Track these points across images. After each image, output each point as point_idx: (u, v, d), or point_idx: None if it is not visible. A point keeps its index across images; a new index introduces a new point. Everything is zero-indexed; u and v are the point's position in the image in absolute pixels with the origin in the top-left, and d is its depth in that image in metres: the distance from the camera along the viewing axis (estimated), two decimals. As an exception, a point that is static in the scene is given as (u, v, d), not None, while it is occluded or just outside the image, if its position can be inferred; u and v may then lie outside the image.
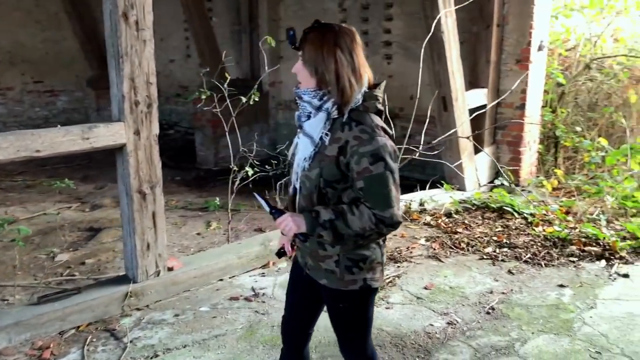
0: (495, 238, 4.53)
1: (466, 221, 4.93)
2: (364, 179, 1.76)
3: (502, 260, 4.16)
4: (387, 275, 3.90)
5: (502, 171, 5.61)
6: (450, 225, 4.86)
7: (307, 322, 2.20)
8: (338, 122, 1.82)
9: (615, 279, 3.84)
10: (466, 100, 5.51)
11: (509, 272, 3.97)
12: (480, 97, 5.73)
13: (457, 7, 5.21)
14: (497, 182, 5.68)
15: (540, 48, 5.71)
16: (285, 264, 4.14)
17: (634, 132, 6.17)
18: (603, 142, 5.93)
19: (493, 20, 5.61)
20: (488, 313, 3.41)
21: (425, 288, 3.74)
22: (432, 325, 3.26)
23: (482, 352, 2.98)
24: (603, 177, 5.62)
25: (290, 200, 2.00)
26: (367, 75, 1.84)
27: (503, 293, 3.66)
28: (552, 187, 5.69)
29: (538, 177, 6.05)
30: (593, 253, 4.19)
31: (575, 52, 6.60)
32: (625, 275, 3.87)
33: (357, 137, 1.77)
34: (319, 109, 1.83)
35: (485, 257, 4.23)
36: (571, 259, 4.15)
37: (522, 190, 5.64)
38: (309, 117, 1.86)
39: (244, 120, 8.77)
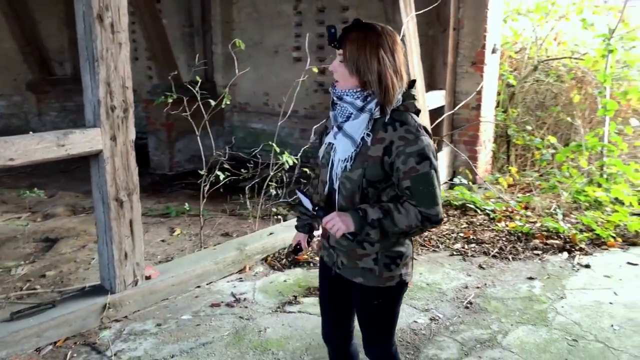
0: (462, 234, 4.68)
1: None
2: (411, 179, 1.80)
3: (472, 256, 4.30)
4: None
5: (471, 165, 5.80)
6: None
7: (346, 320, 2.22)
8: (379, 123, 1.84)
9: (578, 269, 4.06)
10: (426, 101, 5.65)
11: (480, 266, 4.12)
12: (438, 98, 5.90)
13: (418, 12, 5.33)
14: (455, 180, 5.86)
15: (493, 51, 5.94)
16: (261, 269, 4.12)
17: (579, 130, 6.52)
18: (552, 139, 6.24)
19: (449, 24, 5.79)
20: (467, 307, 3.53)
21: (404, 286, 3.81)
22: (416, 321, 3.34)
23: (467, 345, 3.08)
24: (554, 174, 5.93)
25: (324, 201, 2.00)
26: (406, 75, 1.86)
27: (478, 287, 3.80)
28: (508, 184, 5.94)
29: (493, 174, 6.29)
30: (555, 246, 4.41)
31: (523, 54, 6.91)
32: (587, 266, 4.10)
33: (403, 137, 1.80)
34: (361, 109, 1.84)
35: (455, 253, 4.36)
36: (535, 252, 4.35)
37: (479, 187, 5.85)
38: (348, 118, 1.87)
39: (198, 124, 8.61)
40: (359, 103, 1.85)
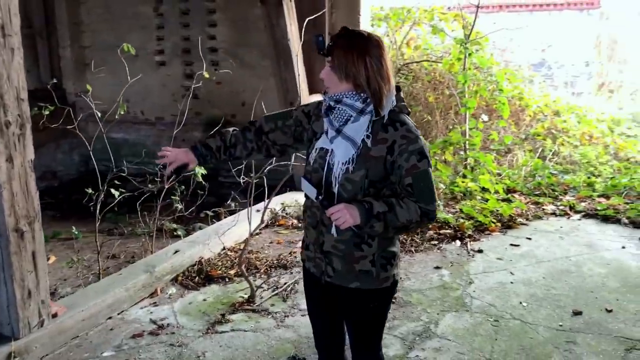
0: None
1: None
2: (413, 175, 1.84)
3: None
4: (287, 282, 3.89)
5: None
6: (318, 226, 5.03)
7: (338, 329, 2.19)
8: (378, 124, 1.88)
9: (473, 255, 4.43)
10: (310, 104, 5.73)
11: (389, 262, 4.29)
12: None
13: (311, 17, 5.34)
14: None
15: (366, 55, 6.22)
16: (174, 290, 3.83)
17: (438, 127, 7.13)
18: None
19: (325, 29, 5.93)
20: (392, 302, 3.64)
21: (327, 289, 3.84)
22: (353, 323, 3.38)
23: (408, 339, 3.20)
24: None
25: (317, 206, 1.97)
26: (392, 79, 1.92)
27: (395, 282, 3.95)
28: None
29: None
30: (448, 235, 4.77)
31: (386, 58, 7.33)
32: (480, 251, 4.49)
33: (405, 136, 1.86)
34: (362, 112, 1.87)
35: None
36: (432, 242, 4.65)
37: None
38: (346, 121, 1.88)
39: (48, 136, 7.78)
40: (359, 105, 1.88)
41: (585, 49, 16.29)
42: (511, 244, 4.64)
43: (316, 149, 1.99)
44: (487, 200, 5.42)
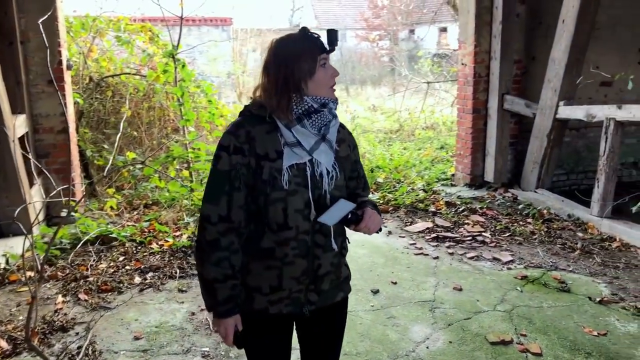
0: (128, 267, 4.25)
1: (79, 262, 4.33)
2: (359, 167, 1.93)
3: (162, 284, 4.01)
4: (81, 345, 3.14)
5: (70, 194, 5.12)
6: (68, 271, 4.17)
7: None
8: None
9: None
10: (15, 129, 4.67)
11: (180, 290, 3.92)
12: (21, 123, 4.94)
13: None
14: (62, 214, 5.12)
15: (68, 67, 5.40)
16: None
17: (151, 143, 6.76)
18: (131, 155, 6.24)
19: (16, 36, 4.91)
20: (217, 331, 3.36)
21: (137, 338, 3.26)
22: (196, 364, 2.99)
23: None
24: (147, 187, 6.00)
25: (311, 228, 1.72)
26: None
27: (202, 309, 3.63)
28: (111, 206, 5.61)
29: (90, 200, 5.79)
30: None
31: (78, 71, 6.49)
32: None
33: (350, 133, 1.91)
34: (335, 114, 1.80)
35: (144, 286, 3.96)
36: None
37: (87, 216, 5.31)
38: (322, 127, 1.74)
39: None
40: (334, 107, 1.78)
41: (225, 62, 17.71)
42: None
43: (285, 168, 1.65)
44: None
